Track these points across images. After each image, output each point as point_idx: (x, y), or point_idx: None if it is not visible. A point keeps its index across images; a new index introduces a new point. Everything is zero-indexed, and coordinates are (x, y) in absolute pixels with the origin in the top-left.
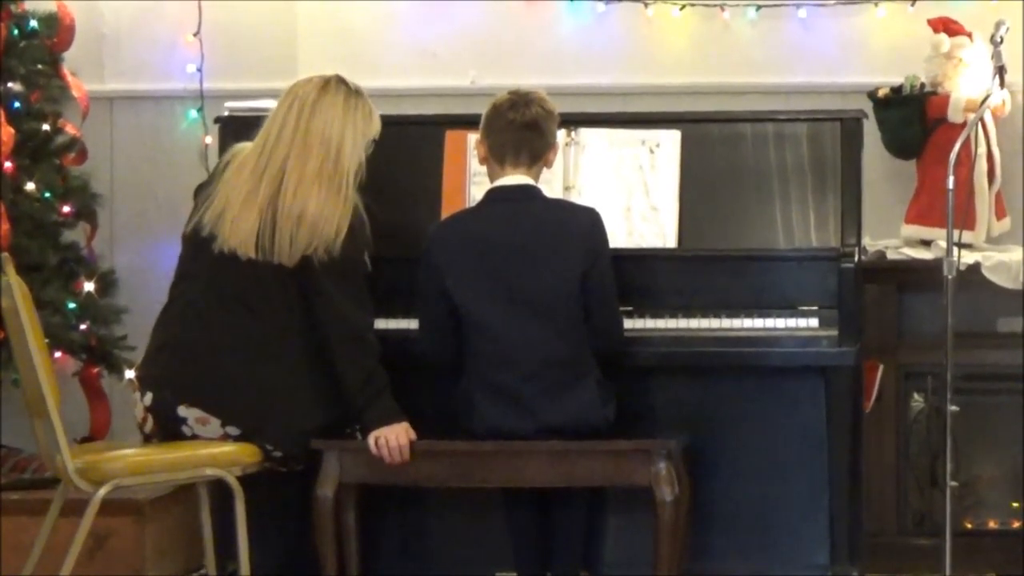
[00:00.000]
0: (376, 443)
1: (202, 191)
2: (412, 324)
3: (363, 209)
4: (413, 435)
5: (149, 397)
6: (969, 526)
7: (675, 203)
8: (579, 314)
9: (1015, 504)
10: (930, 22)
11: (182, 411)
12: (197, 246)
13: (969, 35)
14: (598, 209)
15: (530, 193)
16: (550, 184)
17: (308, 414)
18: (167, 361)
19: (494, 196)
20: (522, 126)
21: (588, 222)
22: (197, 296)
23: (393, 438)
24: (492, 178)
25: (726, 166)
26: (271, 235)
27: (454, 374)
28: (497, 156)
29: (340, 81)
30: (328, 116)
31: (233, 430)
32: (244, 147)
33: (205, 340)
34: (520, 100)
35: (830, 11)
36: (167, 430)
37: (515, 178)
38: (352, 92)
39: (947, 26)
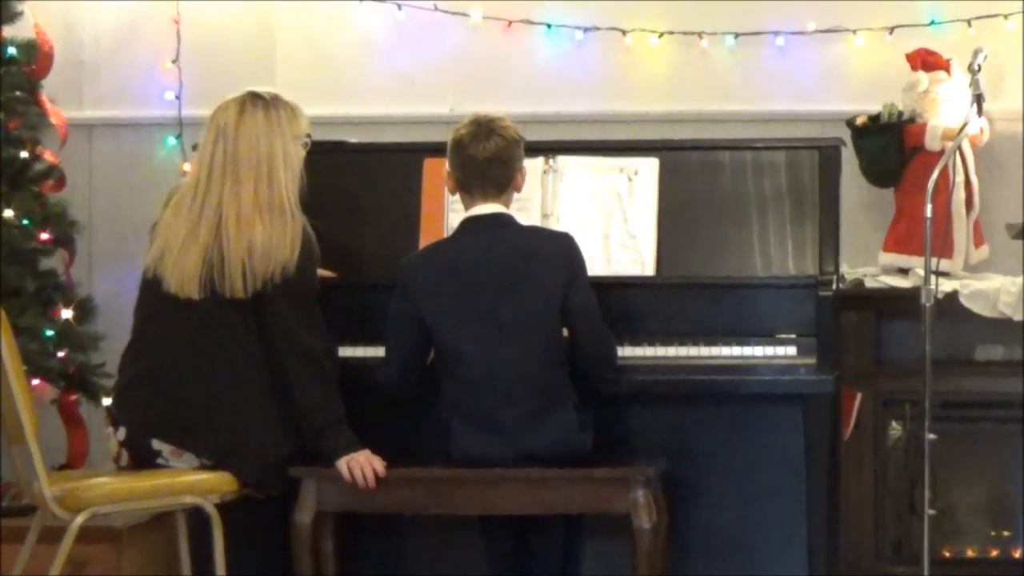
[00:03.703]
0: (348, 468)
1: (154, 229)
2: None
3: (311, 230)
4: (377, 459)
5: (123, 432)
6: (947, 554)
7: (653, 231)
8: (557, 339)
9: (1006, 533)
10: (908, 57)
11: (156, 444)
12: (149, 286)
13: (947, 67)
14: (576, 236)
15: (503, 221)
16: (528, 211)
17: (277, 441)
18: (134, 398)
19: (469, 225)
20: (483, 162)
21: (563, 247)
22: (156, 331)
23: (364, 461)
24: (466, 206)
25: (704, 194)
26: (219, 273)
27: (420, 403)
28: (465, 189)
29: (255, 96)
30: (252, 137)
31: (208, 461)
32: (184, 184)
33: (168, 375)
34: (480, 132)
35: (808, 39)
36: (143, 464)
37: (487, 207)
38: (269, 102)
39: (924, 60)
